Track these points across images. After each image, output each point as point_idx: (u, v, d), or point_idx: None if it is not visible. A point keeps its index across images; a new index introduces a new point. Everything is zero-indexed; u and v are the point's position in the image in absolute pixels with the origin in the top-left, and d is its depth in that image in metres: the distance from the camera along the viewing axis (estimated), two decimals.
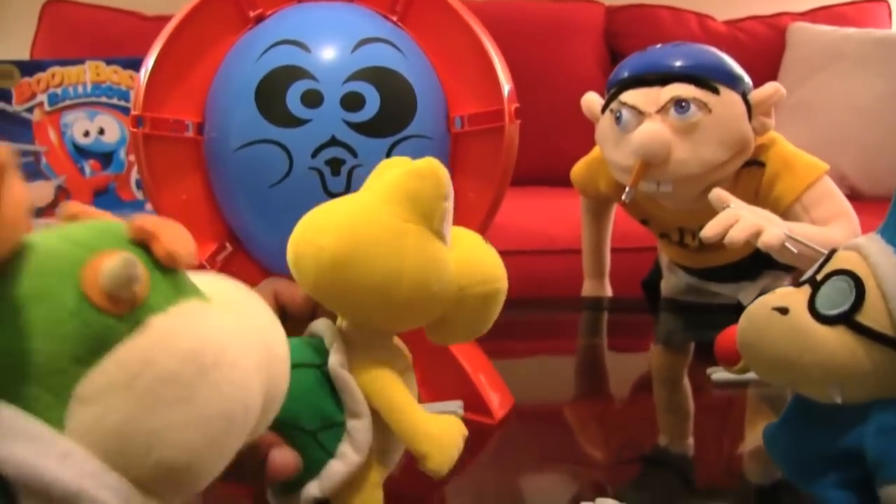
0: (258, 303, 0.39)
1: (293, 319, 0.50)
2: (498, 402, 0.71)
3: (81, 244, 0.32)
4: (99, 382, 0.31)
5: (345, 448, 0.44)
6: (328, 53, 0.62)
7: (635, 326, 1.14)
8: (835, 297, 0.46)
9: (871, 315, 0.45)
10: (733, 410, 0.80)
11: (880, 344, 0.45)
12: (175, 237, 0.34)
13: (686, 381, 0.88)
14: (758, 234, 0.72)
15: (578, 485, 0.65)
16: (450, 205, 0.43)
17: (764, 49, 2.00)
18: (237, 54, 0.65)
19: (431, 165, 0.43)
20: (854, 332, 0.45)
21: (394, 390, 0.44)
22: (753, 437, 0.73)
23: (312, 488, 0.44)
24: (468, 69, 0.66)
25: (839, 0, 2.15)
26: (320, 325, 0.46)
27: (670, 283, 1.11)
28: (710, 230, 0.73)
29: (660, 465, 0.68)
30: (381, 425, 0.44)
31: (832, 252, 0.49)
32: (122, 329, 0.31)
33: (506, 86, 0.66)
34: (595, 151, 0.99)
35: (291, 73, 0.61)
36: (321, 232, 0.42)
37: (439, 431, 0.43)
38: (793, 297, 0.48)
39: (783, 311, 0.47)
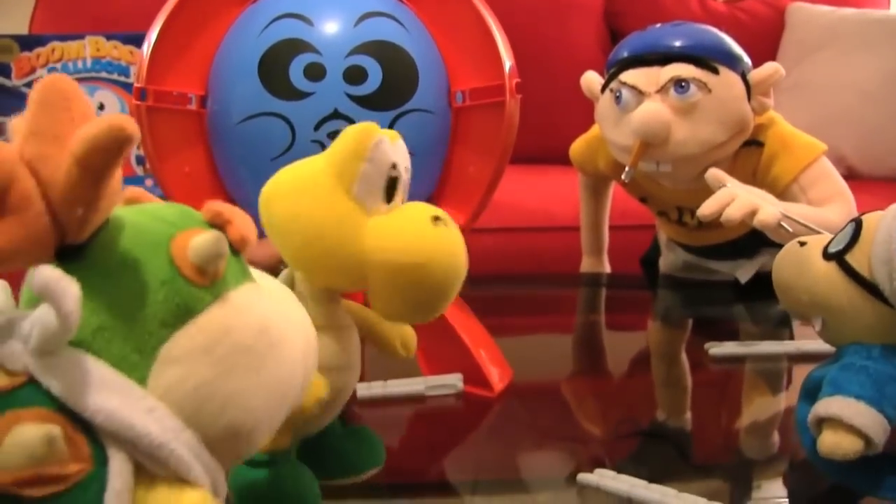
0: (294, 299, 0.41)
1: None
2: (497, 375, 0.72)
3: (169, 222, 0.35)
4: (183, 345, 0.34)
5: None
6: (331, 27, 0.62)
7: (633, 302, 1.14)
8: (840, 238, 0.51)
9: (857, 257, 0.49)
10: (731, 385, 0.81)
11: (857, 285, 0.49)
12: (245, 224, 0.37)
13: (684, 357, 0.89)
14: (754, 213, 0.72)
15: (577, 457, 0.65)
16: (373, 168, 0.43)
17: (763, 29, 1.99)
18: (240, 27, 0.65)
19: (359, 128, 0.44)
20: (841, 270, 0.50)
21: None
22: (750, 412, 0.74)
23: None
24: (470, 44, 0.67)
25: None
26: (282, 274, 0.48)
27: (668, 260, 1.11)
28: (706, 208, 0.74)
29: (658, 439, 0.69)
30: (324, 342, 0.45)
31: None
32: (205, 298, 0.34)
33: (507, 61, 0.66)
34: (594, 130, 0.99)
35: (294, 47, 0.61)
36: (274, 177, 0.45)
37: None
38: (821, 238, 0.54)
39: (802, 244, 0.54)
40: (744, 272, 1.01)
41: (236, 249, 0.37)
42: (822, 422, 0.48)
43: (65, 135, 0.31)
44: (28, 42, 1.47)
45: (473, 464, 0.64)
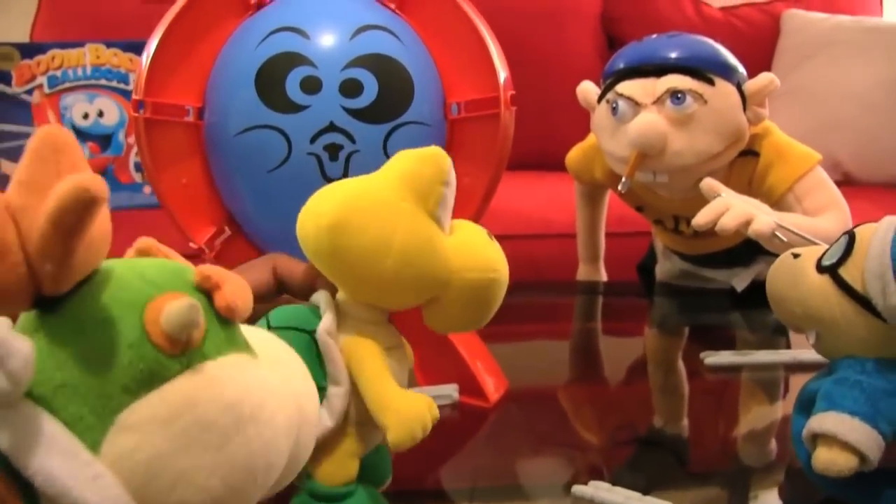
0: (300, 365, 0.41)
1: (292, 293, 0.53)
2: (493, 385, 0.72)
3: (151, 282, 0.34)
4: (141, 414, 0.32)
5: (321, 412, 0.45)
6: (327, 40, 0.63)
7: (630, 310, 1.15)
8: (834, 251, 0.51)
9: (851, 271, 0.50)
10: (728, 394, 0.81)
11: (850, 298, 0.49)
12: (237, 290, 0.36)
13: (681, 365, 0.89)
14: (748, 223, 0.73)
15: (573, 466, 0.65)
16: (449, 192, 0.46)
17: (759, 35, 2.00)
18: (238, 40, 0.66)
19: (434, 152, 0.45)
20: (834, 283, 0.50)
21: (370, 362, 0.46)
22: (747, 421, 0.74)
23: None
24: (465, 57, 0.67)
25: None
26: (319, 296, 0.48)
27: (665, 268, 1.12)
28: (701, 218, 0.74)
29: (654, 448, 0.69)
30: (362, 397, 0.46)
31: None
32: (173, 368, 0.33)
33: (502, 73, 0.67)
34: (590, 138, 1.00)
35: (291, 60, 0.62)
36: (323, 202, 0.45)
37: (405, 407, 0.44)
38: (814, 250, 0.54)
39: (796, 255, 0.54)
40: (740, 280, 1.02)
41: (224, 318, 0.36)
42: (816, 437, 0.48)
43: (48, 188, 0.31)
44: (29, 50, 1.47)
45: (469, 474, 0.64)
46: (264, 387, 0.36)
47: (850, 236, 0.51)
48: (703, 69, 0.84)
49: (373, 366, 0.46)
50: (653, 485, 0.56)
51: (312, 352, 0.46)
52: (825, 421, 0.47)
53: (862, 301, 0.49)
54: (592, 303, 1.17)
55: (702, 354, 0.82)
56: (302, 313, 0.48)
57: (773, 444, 0.68)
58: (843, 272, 0.50)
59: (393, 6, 0.68)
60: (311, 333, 0.46)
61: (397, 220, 0.44)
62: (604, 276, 1.19)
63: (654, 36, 0.90)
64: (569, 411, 0.78)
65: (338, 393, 0.46)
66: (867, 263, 0.48)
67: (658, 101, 0.84)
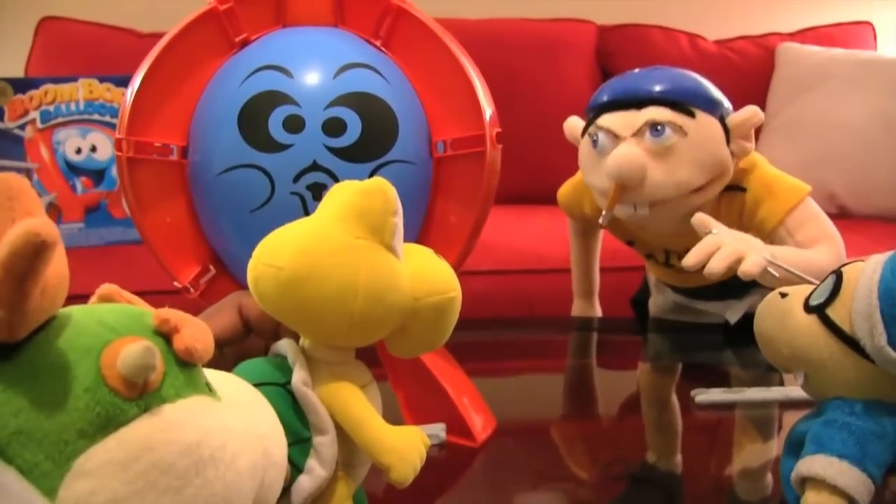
0: (266, 408, 0.41)
1: (259, 335, 0.52)
2: (481, 424, 0.71)
3: (108, 326, 0.34)
4: (98, 458, 0.32)
5: (312, 463, 0.45)
6: (311, 79, 0.62)
7: (624, 346, 1.14)
8: (822, 291, 0.51)
9: (839, 311, 0.49)
10: (721, 430, 0.80)
11: (838, 339, 0.49)
12: (196, 333, 0.36)
13: (674, 401, 0.88)
14: (739, 262, 0.72)
15: (564, 498, 0.65)
16: (399, 220, 0.45)
17: (753, 68, 2.02)
18: (221, 79, 0.66)
19: (379, 183, 0.44)
20: (822, 324, 0.50)
21: (355, 405, 0.45)
22: (741, 458, 0.74)
23: None
24: (451, 94, 0.67)
25: (826, 21, 2.16)
26: (283, 345, 0.47)
27: (658, 301, 1.12)
28: (690, 259, 0.74)
29: (646, 484, 0.68)
30: (347, 439, 0.45)
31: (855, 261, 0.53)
32: (131, 412, 0.33)
33: (487, 110, 0.66)
34: (579, 174, 0.99)
35: (274, 99, 0.61)
36: (278, 253, 0.44)
37: (401, 443, 0.44)
38: (803, 289, 0.54)
39: (783, 295, 0.54)
40: (733, 313, 1.01)
41: (184, 361, 0.35)
42: (805, 480, 0.48)
43: (1, 234, 0.30)
44: (22, 85, 1.48)
45: None
46: (225, 429, 0.36)
47: (838, 276, 0.50)
48: (683, 102, 0.84)
49: (359, 408, 0.45)
50: None
51: (288, 404, 0.45)
52: (814, 464, 0.47)
53: (850, 342, 0.48)
54: (587, 339, 1.16)
55: (692, 392, 0.81)
56: (269, 366, 0.47)
57: (769, 481, 0.67)
58: (831, 312, 0.50)
59: (378, 44, 0.68)
60: (283, 386, 0.46)
61: (357, 259, 0.43)
62: (598, 311, 1.18)
63: (637, 70, 0.90)
64: (560, 448, 0.77)
65: (325, 442, 0.45)
66: (855, 304, 0.48)
67: (637, 133, 0.83)
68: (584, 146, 0.89)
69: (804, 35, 2.11)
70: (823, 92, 1.89)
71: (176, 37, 0.66)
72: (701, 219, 0.78)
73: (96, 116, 1.53)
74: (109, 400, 0.32)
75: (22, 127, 1.47)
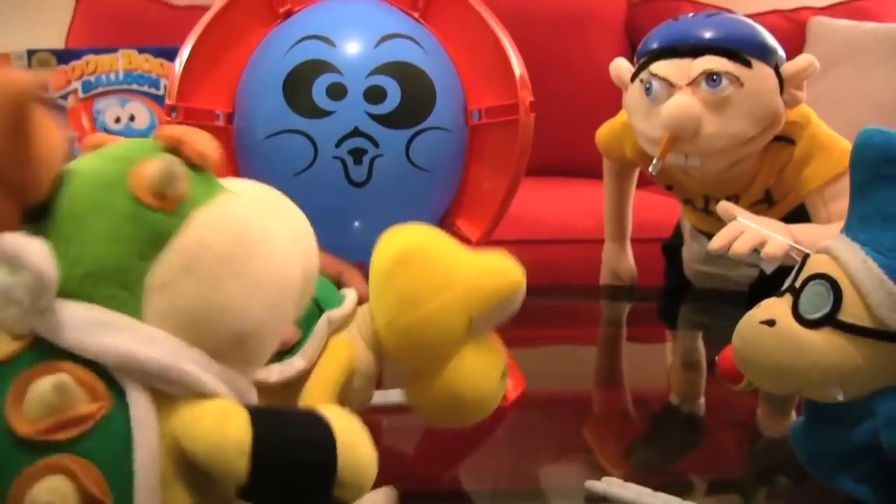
0: (281, 196, 0.44)
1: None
2: (510, 385, 0.73)
3: (121, 159, 0.37)
4: (164, 273, 0.36)
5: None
6: (352, 48, 0.65)
7: (651, 315, 1.15)
8: (815, 301, 0.48)
9: (852, 312, 0.47)
10: (746, 401, 0.81)
11: (866, 337, 0.47)
12: (200, 140, 0.39)
13: (699, 370, 0.89)
14: (762, 245, 0.73)
15: (588, 466, 0.66)
16: (497, 317, 0.51)
17: (784, 43, 1.97)
18: (266, 48, 0.68)
19: (516, 281, 0.50)
20: (840, 331, 0.47)
21: (319, 394, 0.48)
22: (763, 427, 0.75)
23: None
24: (486, 64, 0.69)
25: None
26: (349, 292, 0.52)
27: (693, 249, 1.10)
28: (716, 243, 0.74)
29: (669, 451, 0.70)
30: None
31: (805, 257, 0.51)
32: (174, 222, 0.36)
33: (521, 79, 0.68)
34: (621, 116, 0.99)
35: (317, 67, 0.64)
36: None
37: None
38: (777, 307, 0.50)
39: (770, 323, 0.49)
40: (769, 263, 1.01)
41: (198, 166, 0.38)
42: None
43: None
44: (65, 56, 1.50)
45: (484, 472, 0.66)
46: (259, 212, 0.40)
47: (830, 281, 0.48)
48: (740, 51, 0.82)
49: (318, 396, 0.48)
50: (666, 487, 0.56)
51: (313, 322, 0.49)
52: None
53: (881, 335, 0.47)
54: (615, 308, 1.17)
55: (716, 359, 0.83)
56: (328, 291, 0.51)
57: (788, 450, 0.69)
58: (845, 317, 0.47)
59: (416, 15, 0.70)
60: (321, 310, 0.50)
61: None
62: (630, 256, 1.17)
63: (691, 15, 0.89)
64: (584, 414, 0.79)
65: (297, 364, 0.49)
66: (872, 299, 0.46)
67: (693, 82, 0.82)
68: (635, 92, 0.88)
69: (836, 9, 2.09)
70: (855, 67, 1.87)
71: (223, 8, 0.68)
72: (725, 207, 0.78)
73: (135, 86, 1.55)
74: (152, 217, 0.36)
75: (65, 97, 1.50)
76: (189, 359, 0.36)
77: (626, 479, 0.57)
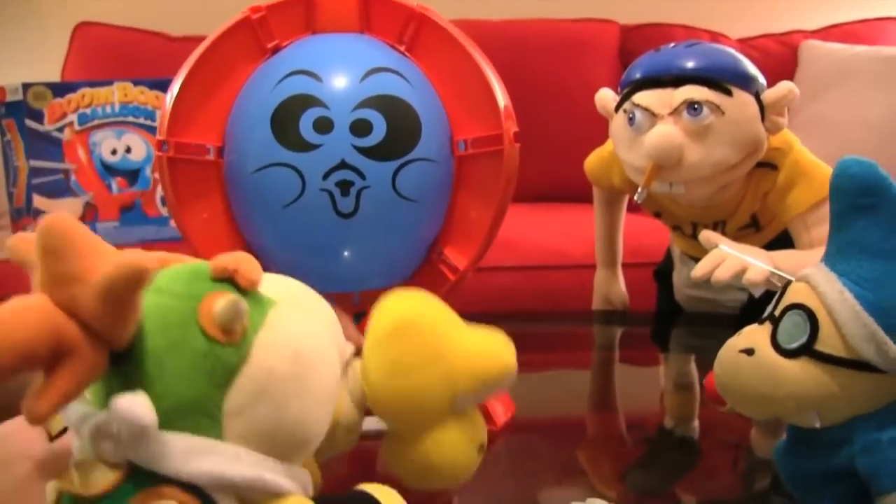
0: (305, 288, 0.48)
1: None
2: (500, 410, 0.74)
3: (186, 296, 0.41)
4: (239, 398, 0.40)
5: None
6: (339, 83, 0.66)
7: (643, 340, 1.16)
8: (792, 331, 0.49)
9: (828, 342, 0.47)
10: (739, 425, 0.81)
11: (841, 367, 0.47)
12: (248, 265, 0.43)
13: (692, 394, 0.90)
14: (743, 272, 0.74)
15: (580, 488, 0.67)
16: (483, 396, 0.53)
17: (776, 66, 2.02)
18: (255, 83, 0.69)
19: (508, 367, 0.51)
20: (816, 361, 0.48)
21: None
22: (755, 451, 0.75)
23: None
24: (470, 96, 0.70)
25: (850, 18, 2.16)
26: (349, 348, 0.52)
27: (682, 274, 1.12)
28: (698, 271, 0.76)
29: (660, 476, 0.70)
30: None
31: (786, 286, 0.52)
32: (241, 353, 0.40)
33: (503, 104, 0.69)
34: (609, 144, 1.00)
35: (304, 102, 0.65)
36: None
37: None
38: (756, 336, 0.51)
39: (749, 352, 0.50)
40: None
41: (248, 291, 0.42)
42: None
43: (83, 273, 0.36)
44: (60, 88, 1.52)
45: (477, 496, 0.66)
46: (304, 326, 0.44)
47: (807, 312, 0.49)
48: (720, 79, 0.84)
49: None
50: None
51: None
52: None
53: (855, 365, 0.47)
54: (608, 333, 1.18)
55: None
56: None
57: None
58: (821, 347, 0.48)
59: (402, 49, 0.71)
60: None
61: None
62: (621, 281, 1.18)
63: (672, 45, 0.90)
64: (579, 436, 0.79)
65: None
66: (846, 330, 0.47)
67: (675, 112, 0.84)
68: (619, 122, 0.89)
69: (828, 32, 2.11)
70: (846, 89, 1.89)
71: (212, 44, 0.70)
72: (707, 236, 0.80)
73: (131, 118, 1.57)
74: (222, 352, 0.39)
75: (60, 129, 1.51)
76: (268, 468, 0.40)
77: (620, 502, 0.57)
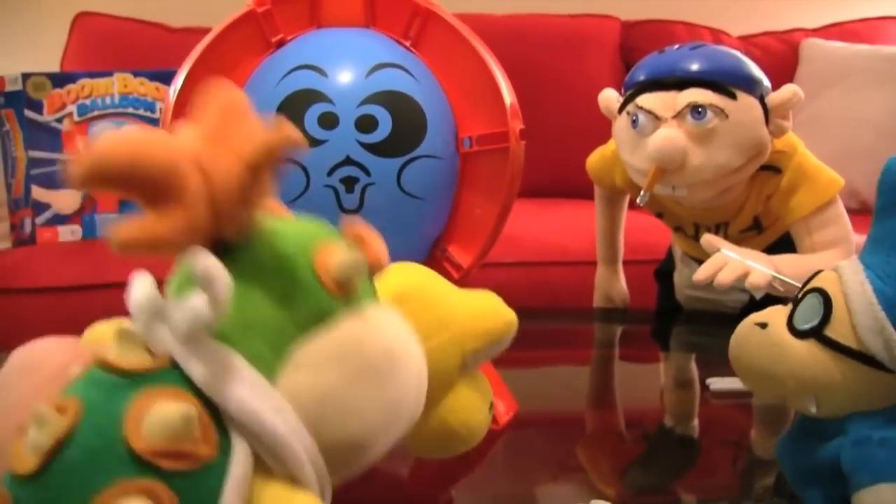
0: (410, 329, 0.44)
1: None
2: (503, 408, 0.74)
3: (311, 233, 0.39)
4: (314, 353, 0.37)
5: None
6: (344, 78, 0.66)
7: (644, 338, 1.16)
8: (808, 313, 0.49)
9: (838, 329, 0.48)
10: (739, 421, 0.81)
11: (847, 357, 0.48)
12: (379, 247, 0.40)
13: (693, 391, 0.90)
14: (745, 276, 0.74)
15: (580, 486, 0.67)
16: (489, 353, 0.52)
17: (777, 64, 2.01)
18: (259, 77, 0.69)
19: (510, 321, 0.52)
20: (823, 346, 0.48)
21: None
22: (758, 449, 0.75)
23: None
24: (476, 92, 0.70)
25: (851, 17, 2.16)
26: None
27: (684, 275, 1.11)
28: (700, 274, 0.76)
29: (663, 473, 0.70)
30: None
31: (817, 273, 0.52)
32: (339, 309, 0.37)
33: (511, 108, 0.69)
34: (611, 144, 0.99)
35: (309, 97, 0.65)
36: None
37: None
38: (776, 314, 0.51)
39: (763, 325, 0.51)
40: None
41: (370, 270, 0.40)
42: None
43: (238, 144, 0.35)
44: (60, 79, 1.52)
45: (479, 494, 0.66)
46: (401, 338, 0.41)
47: (823, 296, 0.49)
48: (724, 83, 0.83)
49: None
50: (660, 502, 0.56)
51: None
52: (882, 495, 0.46)
53: (861, 357, 0.47)
54: (609, 330, 1.18)
55: (707, 381, 0.83)
56: None
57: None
58: (831, 333, 0.48)
59: (407, 44, 0.71)
60: None
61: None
62: (622, 279, 1.18)
63: (676, 47, 0.90)
64: (579, 434, 0.79)
65: None
66: (857, 320, 0.47)
67: (678, 115, 0.83)
68: (622, 124, 0.89)
69: (829, 31, 2.11)
70: (847, 87, 1.89)
71: (216, 37, 0.69)
72: (709, 240, 0.80)
73: (130, 110, 1.56)
74: (322, 296, 0.37)
75: (59, 120, 1.50)
76: (303, 444, 0.36)
77: (621, 500, 0.57)
